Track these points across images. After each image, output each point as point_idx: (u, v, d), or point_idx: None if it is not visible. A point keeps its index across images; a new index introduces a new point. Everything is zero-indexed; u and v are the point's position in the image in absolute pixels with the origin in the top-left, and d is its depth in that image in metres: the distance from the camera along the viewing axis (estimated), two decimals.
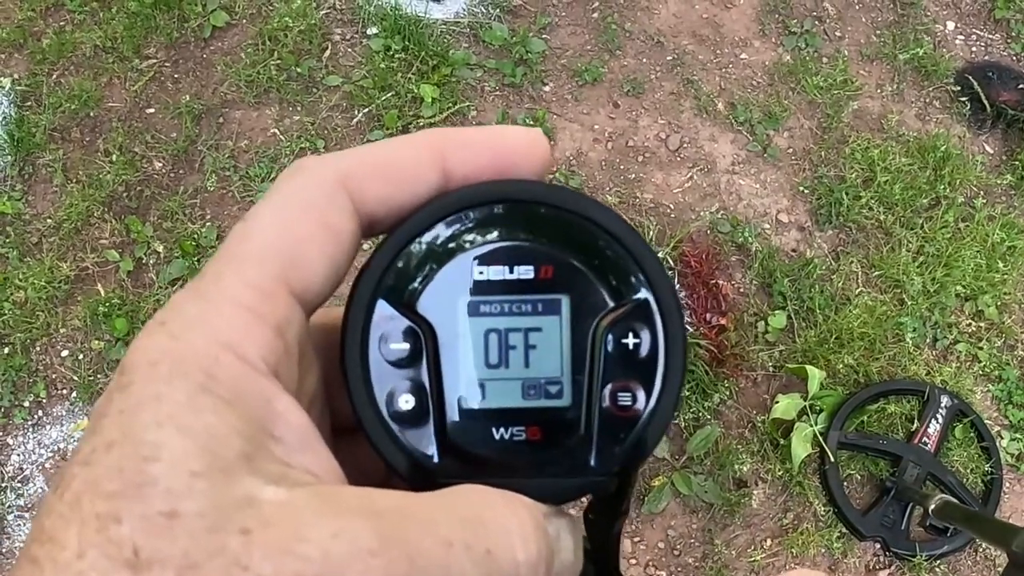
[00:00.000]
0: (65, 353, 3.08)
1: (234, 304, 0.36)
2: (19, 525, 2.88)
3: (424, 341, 0.42)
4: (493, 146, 0.43)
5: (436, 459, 0.42)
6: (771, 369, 3.14)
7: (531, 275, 0.43)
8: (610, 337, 0.43)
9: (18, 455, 2.96)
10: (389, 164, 0.42)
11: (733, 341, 3.12)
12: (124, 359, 0.35)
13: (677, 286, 3.18)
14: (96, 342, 3.07)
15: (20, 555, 0.32)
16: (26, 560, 0.31)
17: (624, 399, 0.43)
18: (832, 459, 2.97)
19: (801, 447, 2.95)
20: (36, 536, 0.32)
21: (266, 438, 0.35)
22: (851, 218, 3.36)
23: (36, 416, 3.01)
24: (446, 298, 0.43)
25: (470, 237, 0.43)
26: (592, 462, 0.42)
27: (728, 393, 3.09)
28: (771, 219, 3.36)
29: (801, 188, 3.41)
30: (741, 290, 3.24)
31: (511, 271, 0.43)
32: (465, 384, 0.43)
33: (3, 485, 2.92)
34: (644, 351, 0.43)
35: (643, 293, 0.43)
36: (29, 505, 2.90)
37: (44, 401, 3.03)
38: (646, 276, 0.43)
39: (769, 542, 2.97)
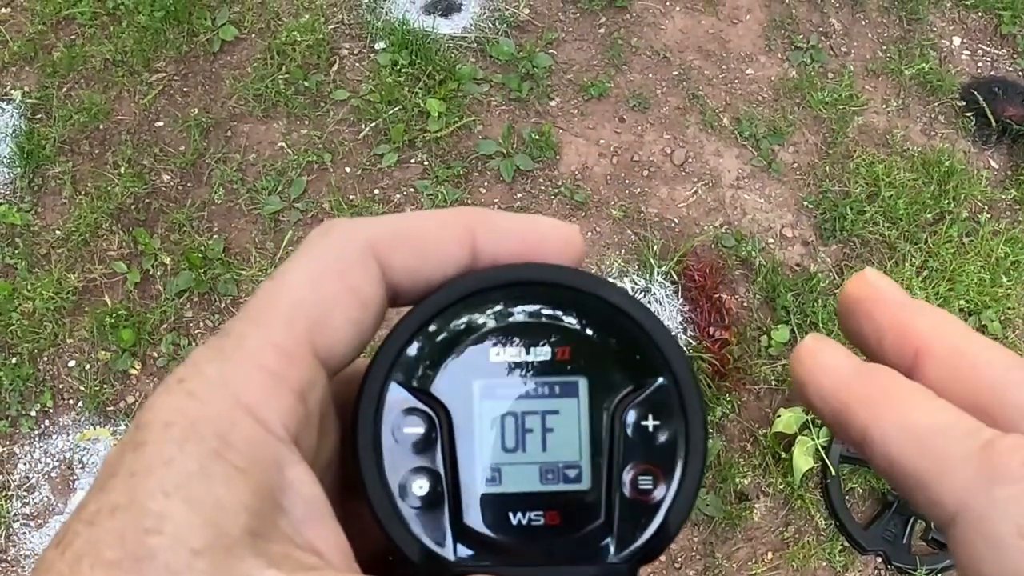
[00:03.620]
0: (72, 363, 3.10)
1: (256, 366, 0.35)
2: (24, 533, 2.90)
3: (439, 425, 0.41)
4: (525, 236, 0.43)
5: (450, 546, 0.40)
6: (773, 383, 3.14)
7: (548, 356, 0.42)
8: (629, 420, 0.42)
9: (24, 464, 2.98)
10: (419, 236, 0.41)
11: (736, 355, 3.12)
12: (139, 414, 0.34)
13: (681, 301, 3.19)
14: (103, 353, 3.09)
15: None
16: None
17: (645, 483, 0.41)
18: (834, 473, 2.97)
19: (803, 461, 2.95)
20: None
21: (275, 511, 0.34)
22: (855, 233, 3.36)
23: (43, 425, 3.03)
24: (461, 380, 0.42)
25: (487, 318, 0.42)
26: (612, 550, 0.41)
27: (730, 407, 3.09)
28: (775, 233, 3.37)
29: (805, 203, 3.42)
30: (744, 304, 3.24)
31: (528, 352, 0.42)
32: (481, 469, 0.41)
33: (9, 494, 2.94)
34: (664, 435, 0.42)
35: (662, 375, 0.42)
36: (35, 513, 2.92)
37: (51, 411, 3.05)
38: (665, 359, 0.42)
39: (770, 555, 2.96)
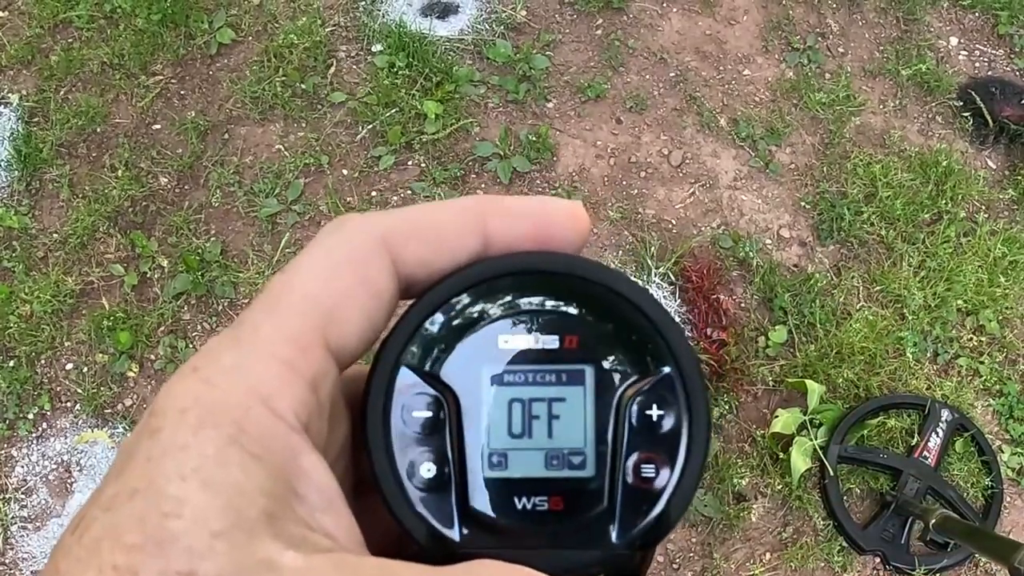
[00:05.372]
0: (70, 366, 3.10)
1: (270, 356, 0.36)
2: (23, 536, 2.90)
3: (447, 409, 0.42)
4: (534, 216, 0.43)
5: (456, 529, 0.41)
6: (771, 383, 3.14)
7: (556, 345, 0.43)
8: (634, 409, 0.42)
9: (22, 467, 2.98)
10: (431, 227, 0.42)
11: (733, 355, 3.12)
12: (155, 402, 0.35)
13: (679, 302, 3.19)
14: (100, 355, 3.09)
15: None
16: None
17: (647, 471, 0.42)
18: (832, 473, 2.97)
19: (801, 461, 2.95)
20: None
21: (290, 496, 0.35)
22: (853, 233, 3.36)
23: (40, 428, 3.03)
24: (470, 366, 0.42)
25: (496, 306, 0.43)
26: (614, 536, 0.42)
27: (728, 407, 3.09)
28: (773, 234, 3.37)
29: (803, 203, 3.42)
30: (742, 305, 3.24)
31: (536, 340, 0.43)
32: (487, 453, 0.42)
33: (7, 496, 2.94)
34: (668, 424, 0.42)
35: (668, 366, 0.43)
36: (32, 516, 2.92)
37: (48, 413, 3.05)
38: (671, 349, 0.43)
39: (768, 556, 2.96)
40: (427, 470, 0.41)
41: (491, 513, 0.42)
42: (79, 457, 2.99)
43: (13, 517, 2.92)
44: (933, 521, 2.61)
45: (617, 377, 0.43)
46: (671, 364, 0.43)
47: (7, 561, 2.88)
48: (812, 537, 2.99)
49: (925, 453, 3.01)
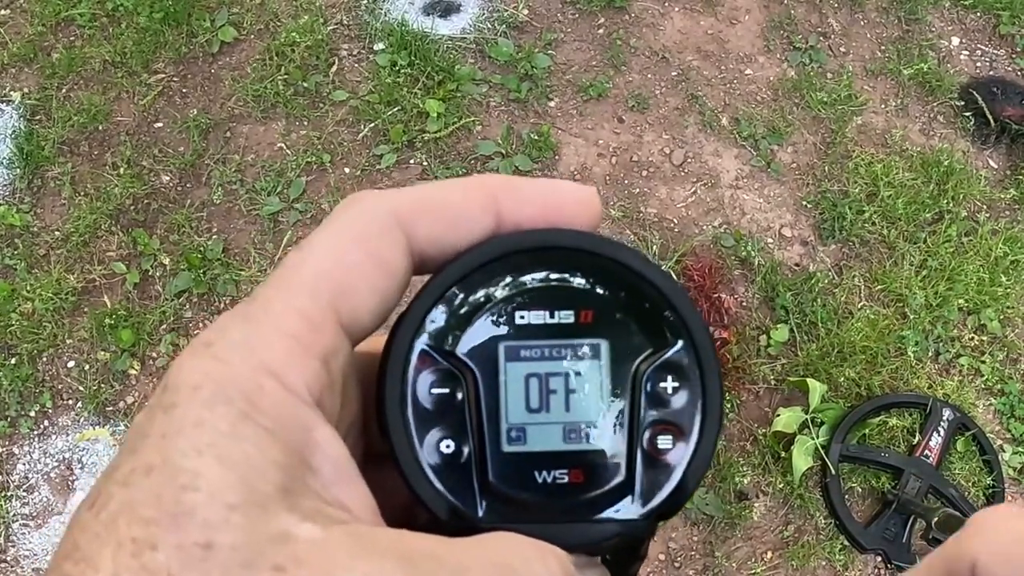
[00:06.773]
0: (71, 364, 3.10)
1: (282, 331, 0.36)
2: (24, 533, 2.90)
3: (465, 385, 0.42)
4: (546, 198, 0.44)
5: (477, 504, 0.41)
6: (773, 382, 3.14)
7: (571, 319, 0.43)
8: (649, 381, 0.43)
9: (24, 464, 2.98)
10: (444, 204, 0.42)
11: (735, 354, 3.12)
12: (167, 377, 0.35)
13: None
14: (102, 353, 3.09)
15: (50, 569, 0.32)
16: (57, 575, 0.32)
17: (664, 443, 0.43)
18: (833, 472, 2.97)
19: (802, 460, 2.95)
20: (68, 552, 0.32)
21: (304, 470, 0.35)
22: (854, 232, 3.36)
23: (42, 426, 3.03)
24: (487, 342, 0.43)
25: (511, 282, 0.43)
26: (633, 506, 0.42)
27: (730, 406, 3.09)
28: (774, 233, 3.37)
29: (805, 203, 3.42)
30: (744, 304, 3.24)
31: (552, 316, 0.43)
32: (506, 428, 0.43)
33: (8, 494, 2.94)
34: (683, 395, 0.43)
35: (681, 339, 0.43)
36: (34, 514, 2.92)
37: (50, 411, 3.05)
38: (683, 322, 0.43)
39: (770, 555, 2.96)
40: (446, 446, 0.42)
41: (511, 487, 0.42)
42: (80, 455, 2.99)
43: (15, 514, 2.92)
44: (935, 520, 2.61)
45: (632, 351, 0.43)
46: (684, 337, 0.43)
47: (8, 558, 2.88)
48: (814, 536, 2.99)
49: (926, 452, 3.01)
